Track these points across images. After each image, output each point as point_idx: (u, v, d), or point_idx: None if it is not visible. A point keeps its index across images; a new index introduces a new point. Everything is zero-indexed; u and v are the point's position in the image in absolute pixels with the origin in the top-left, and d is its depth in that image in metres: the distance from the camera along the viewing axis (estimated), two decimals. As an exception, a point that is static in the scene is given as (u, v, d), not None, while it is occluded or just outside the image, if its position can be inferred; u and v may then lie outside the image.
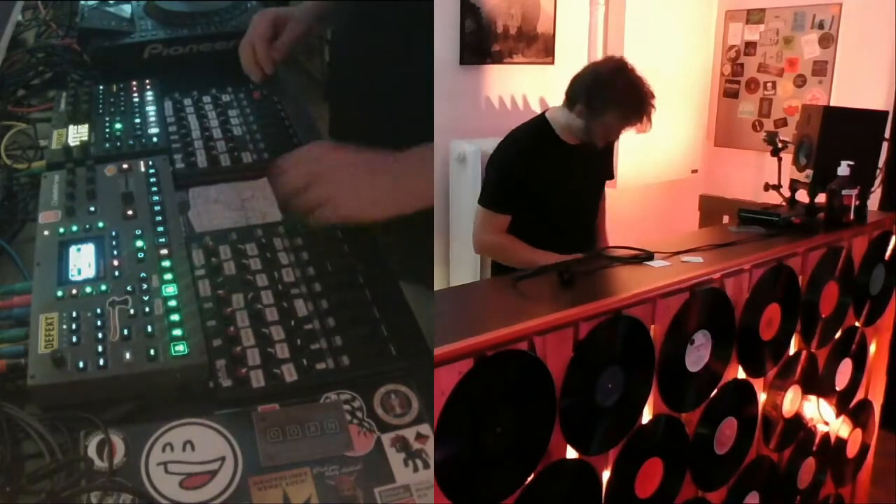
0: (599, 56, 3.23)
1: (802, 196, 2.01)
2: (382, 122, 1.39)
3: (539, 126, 2.05)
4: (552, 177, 2.00)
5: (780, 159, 2.04)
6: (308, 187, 1.22)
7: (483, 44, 2.85)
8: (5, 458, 0.90)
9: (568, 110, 1.97)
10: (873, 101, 2.94)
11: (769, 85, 3.48)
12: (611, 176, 2.27)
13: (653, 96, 1.90)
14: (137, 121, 1.56)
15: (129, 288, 1.13)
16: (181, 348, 1.04)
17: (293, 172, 1.26)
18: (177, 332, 1.07)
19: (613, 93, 1.87)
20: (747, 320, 1.62)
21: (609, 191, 2.29)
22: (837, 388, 2.09)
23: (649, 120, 1.92)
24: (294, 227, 1.33)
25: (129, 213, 1.28)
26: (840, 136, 1.98)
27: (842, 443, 2.20)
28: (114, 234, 1.23)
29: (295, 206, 1.24)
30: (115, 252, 1.19)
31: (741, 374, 1.68)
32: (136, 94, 1.65)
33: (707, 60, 3.55)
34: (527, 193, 1.99)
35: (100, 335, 1.05)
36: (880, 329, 2.22)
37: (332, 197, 1.20)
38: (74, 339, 1.04)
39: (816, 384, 1.97)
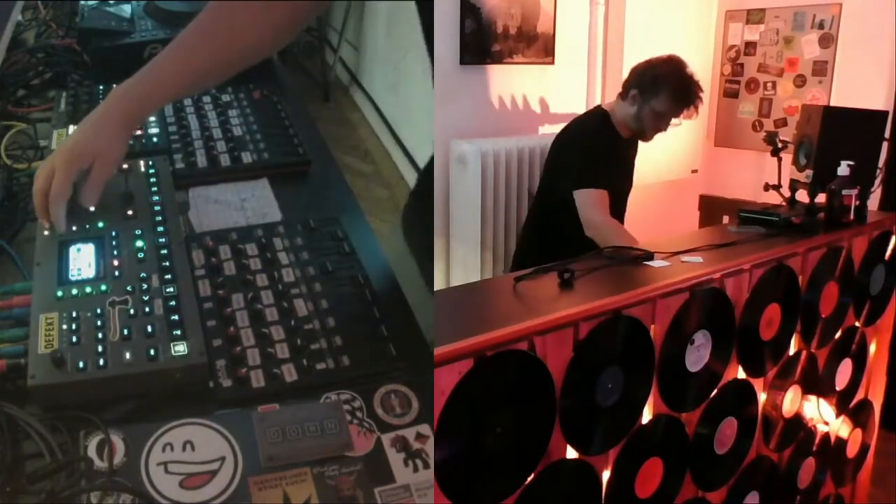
0: (599, 56, 3.24)
1: (802, 196, 2.01)
2: None
3: (601, 116, 2.19)
4: (612, 168, 2.11)
5: (780, 159, 2.04)
6: None
7: (483, 44, 2.85)
8: (5, 458, 0.90)
9: (622, 100, 2.12)
10: (873, 101, 2.94)
11: (769, 85, 3.48)
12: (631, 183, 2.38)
13: (701, 89, 2.09)
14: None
15: (129, 288, 1.13)
16: (181, 348, 1.04)
17: None
18: (177, 332, 1.07)
19: (666, 75, 2.05)
20: (747, 320, 1.62)
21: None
22: (837, 388, 2.09)
23: (696, 109, 2.10)
24: (294, 227, 1.33)
25: (129, 213, 1.28)
26: (840, 136, 1.98)
27: (842, 443, 2.20)
28: (114, 234, 1.23)
29: None
30: (115, 252, 1.20)
31: (741, 374, 1.68)
32: (136, 94, 1.65)
33: (707, 60, 3.55)
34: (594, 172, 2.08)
35: (100, 335, 1.05)
36: (880, 329, 2.22)
37: None
38: (74, 339, 1.04)
39: (816, 384, 1.97)
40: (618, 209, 2.22)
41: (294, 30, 1.34)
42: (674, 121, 2.17)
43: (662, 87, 2.05)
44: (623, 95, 2.12)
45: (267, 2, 1.23)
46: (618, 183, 2.17)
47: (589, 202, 2.08)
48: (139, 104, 1.25)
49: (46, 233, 1.22)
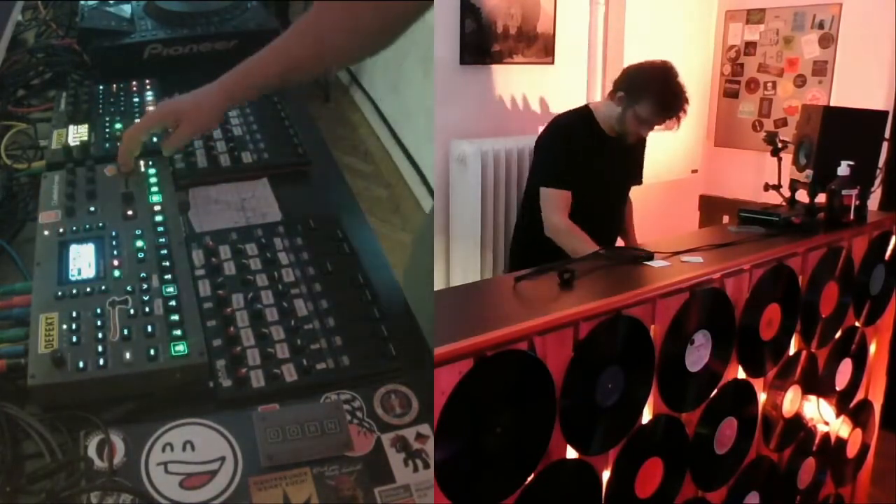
0: (599, 56, 3.24)
1: (802, 196, 2.01)
2: None
3: (583, 114, 2.19)
4: (592, 165, 2.12)
5: (780, 159, 2.04)
6: None
7: (483, 44, 2.85)
8: (5, 458, 0.90)
9: (610, 100, 2.12)
10: (873, 101, 2.94)
11: (769, 85, 3.48)
12: (640, 181, 2.36)
13: (687, 101, 2.06)
14: (137, 121, 1.56)
15: (129, 288, 1.13)
16: (181, 348, 1.04)
17: None
18: (177, 332, 1.07)
19: (653, 83, 2.03)
20: (747, 320, 1.62)
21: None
22: (837, 388, 2.09)
23: (678, 121, 2.08)
24: (294, 227, 1.33)
25: (129, 213, 1.28)
26: (840, 136, 1.98)
27: (842, 443, 2.20)
28: (114, 234, 1.23)
29: None
30: (115, 252, 1.19)
31: (741, 374, 1.68)
32: (136, 94, 1.65)
33: (707, 60, 3.55)
34: (576, 174, 2.06)
35: (100, 335, 1.05)
36: (880, 329, 2.22)
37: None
38: (74, 339, 1.04)
39: (816, 384, 1.97)
40: (605, 206, 2.21)
41: (380, 39, 1.36)
42: (657, 128, 2.16)
43: (647, 95, 2.04)
44: (611, 95, 2.13)
45: (354, 11, 1.30)
46: (600, 180, 2.15)
47: (548, 202, 2.12)
48: (236, 84, 1.38)
49: (47, 233, 1.22)
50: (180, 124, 1.37)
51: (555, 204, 2.10)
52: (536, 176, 2.20)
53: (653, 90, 2.03)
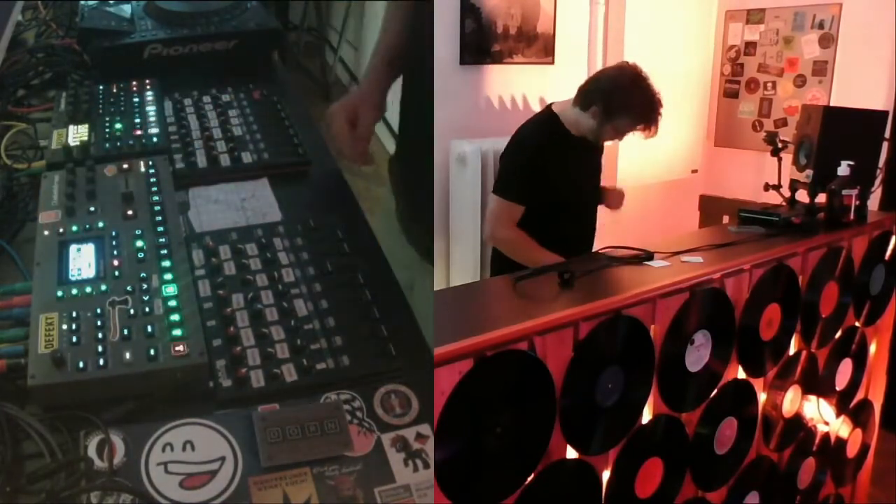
0: (599, 56, 3.24)
1: (802, 196, 2.01)
2: None
3: (549, 119, 2.12)
4: (563, 170, 2.08)
5: (780, 159, 2.04)
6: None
7: (483, 44, 2.85)
8: (5, 458, 0.90)
9: (580, 109, 2.04)
10: (873, 101, 2.94)
11: (769, 85, 3.48)
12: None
13: (661, 105, 2.01)
14: (137, 121, 1.56)
15: (129, 288, 1.13)
16: (181, 348, 1.04)
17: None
18: (177, 332, 1.07)
19: (632, 100, 1.98)
20: (747, 320, 1.62)
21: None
22: (837, 388, 2.09)
23: (657, 128, 2.03)
24: (294, 227, 1.33)
25: (129, 213, 1.28)
26: (840, 136, 1.98)
27: (842, 443, 2.20)
28: (114, 234, 1.23)
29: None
30: (115, 252, 1.19)
31: (741, 374, 1.68)
32: (136, 94, 1.65)
33: (707, 60, 3.55)
34: (540, 185, 2.05)
35: (100, 335, 1.05)
36: (880, 329, 2.22)
37: None
38: (74, 339, 1.04)
39: (816, 384, 1.97)
40: (581, 207, 2.18)
41: None
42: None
43: (626, 110, 1.98)
44: (582, 105, 2.03)
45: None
46: (572, 183, 2.11)
47: (495, 212, 2.09)
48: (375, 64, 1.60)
49: (47, 233, 1.22)
50: (358, 119, 1.50)
51: (501, 214, 2.06)
52: (495, 182, 2.15)
53: (631, 106, 1.98)
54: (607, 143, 2.25)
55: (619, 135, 2.07)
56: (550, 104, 2.16)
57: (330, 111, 1.53)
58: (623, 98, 1.97)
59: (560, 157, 2.05)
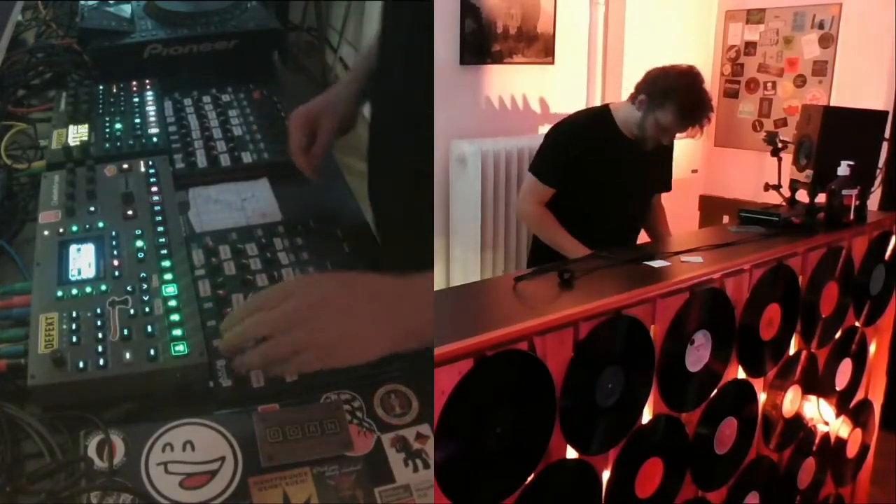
0: (599, 56, 3.24)
1: (802, 196, 2.01)
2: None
3: (601, 113, 2.14)
4: (602, 165, 2.07)
5: (780, 159, 2.04)
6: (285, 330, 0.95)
7: (483, 44, 2.85)
8: (5, 458, 0.90)
9: (631, 103, 2.05)
10: (873, 101, 2.94)
11: (769, 85, 3.48)
12: (668, 187, 2.33)
13: (712, 109, 2.00)
14: (137, 121, 1.56)
15: (129, 288, 1.13)
16: (181, 348, 1.04)
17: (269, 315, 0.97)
18: (177, 332, 1.07)
19: (677, 89, 1.96)
20: (747, 320, 1.62)
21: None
22: (837, 388, 2.09)
23: (702, 129, 2.01)
24: (294, 227, 1.33)
25: (129, 213, 1.28)
26: (840, 136, 1.98)
27: (842, 443, 2.20)
28: (114, 234, 1.23)
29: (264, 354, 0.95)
30: (115, 252, 1.20)
31: (741, 374, 1.68)
32: (136, 94, 1.65)
33: (707, 60, 3.55)
34: (575, 174, 2.06)
35: (100, 335, 1.05)
36: (880, 329, 2.22)
37: (312, 343, 0.95)
38: (74, 339, 1.04)
39: (816, 384, 1.97)
40: (619, 210, 2.16)
41: None
42: (679, 135, 2.11)
43: (670, 101, 1.95)
44: (632, 98, 2.05)
45: None
46: (613, 184, 2.10)
47: (528, 189, 2.12)
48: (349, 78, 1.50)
49: (47, 233, 1.22)
50: (319, 127, 1.37)
51: (533, 192, 2.09)
52: (533, 159, 2.17)
53: (676, 97, 1.95)
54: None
55: (662, 131, 2.02)
56: (607, 103, 2.18)
57: (292, 115, 1.40)
58: (669, 88, 1.95)
59: (600, 152, 2.05)
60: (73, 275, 1.15)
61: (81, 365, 1.00)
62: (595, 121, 2.11)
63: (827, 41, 3.24)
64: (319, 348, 0.94)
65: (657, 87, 1.98)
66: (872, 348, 2.21)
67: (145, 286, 1.13)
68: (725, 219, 2.60)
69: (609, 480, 1.38)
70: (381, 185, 1.35)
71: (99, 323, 1.07)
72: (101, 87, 1.66)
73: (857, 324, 2.09)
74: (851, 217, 1.92)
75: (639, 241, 2.27)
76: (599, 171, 2.06)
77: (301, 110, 1.39)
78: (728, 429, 1.67)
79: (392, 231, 1.32)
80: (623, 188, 2.14)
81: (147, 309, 1.10)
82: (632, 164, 2.11)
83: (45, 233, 1.22)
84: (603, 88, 3.24)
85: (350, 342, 0.96)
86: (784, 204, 2.05)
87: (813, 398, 1.97)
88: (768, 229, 1.87)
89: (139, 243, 1.21)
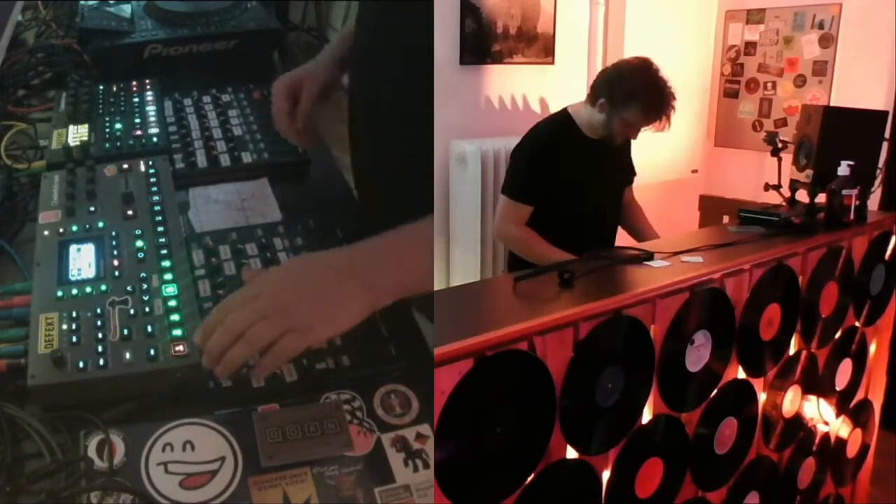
0: (599, 56, 3.24)
1: (802, 196, 2.01)
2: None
3: (561, 120, 2.10)
4: (574, 170, 2.04)
5: (780, 159, 2.04)
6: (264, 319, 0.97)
7: (483, 44, 2.85)
8: (5, 458, 0.90)
9: (591, 105, 2.02)
10: (873, 101, 2.94)
11: (769, 85, 3.48)
12: (633, 175, 2.31)
13: (674, 97, 1.97)
14: (137, 121, 1.56)
15: (129, 288, 1.13)
16: (181, 348, 1.04)
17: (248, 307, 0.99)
18: (177, 332, 1.07)
19: (636, 87, 1.93)
20: (747, 320, 1.62)
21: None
22: (837, 388, 2.08)
23: (668, 120, 1.98)
24: (294, 227, 1.33)
25: (129, 213, 1.28)
26: (840, 136, 1.98)
27: (842, 443, 2.20)
28: (114, 234, 1.23)
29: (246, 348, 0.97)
30: (115, 252, 1.20)
31: (741, 374, 1.68)
32: (136, 94, 1.65)
33: (707, 60, 3.55)
34: (549, 186, 2.03)
35: (100, 335, 1.05)
36: (880, 329, 2.22)
37: (288, 326, 0.97)
38: (74, 339, 1.04)
39: (816, 384, 1.97)
40: (596, 211, 2.15)
41: None
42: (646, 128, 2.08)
43: (633, 102, 1.94)
44: (591, 101, 2.01)
45: None
46: (587, 186, 2.08)
47: (503, 212, 2.07)
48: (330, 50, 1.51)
49: (47, 233, 1.22)
50: (301, 92, 1.40)
51: (511, 214, 2.05)
52: (504, 181, 2.13)
53: (639, 97, 1.93)
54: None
55: (630, 129, 2.01)
56: (568, 105, 2.14)
57: (275, 83, 1.42)
58: (629, 88, 1.93)
59: (570, 158, 2.02)
60: (73, 275, 1.15)
61: (81, 365, 1.00)
62: (557, 128, 2.08)
63: (827, 41, 3.24)
64: (296, 330, 0.97)
65: (616, 88, 1.94)
66: (872, 348, 2.21)
67: (145, 286, 1.14)
68: (725, 219, 2.60)
69: (609, 480, 1.38)
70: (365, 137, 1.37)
71: (99, 323, 1.07)
72: (101, 87, 1.66)
73: (857, 324, 2.09)
74: (851, 217, 1.92)
75: (626, 244, 2.25)
76: (572, 176, 2.03)
77: (283, 77, 1.43)
78: (728, 429, 1.67)
79: (375, 183, 1.34)
80: (598, 188, 2.13)
81: (147, 309, 1.10)
82: (600, 163, 2.10)
83: (45, 233, 1.22)
84: (603, 88, 3.24)
85: (323, 314, 0.99)
86: (784, 204, 2.05)
87: (813, 398, 1.97)
88: (768, 229, 1.87)
89: (139, 243, 1.21)
